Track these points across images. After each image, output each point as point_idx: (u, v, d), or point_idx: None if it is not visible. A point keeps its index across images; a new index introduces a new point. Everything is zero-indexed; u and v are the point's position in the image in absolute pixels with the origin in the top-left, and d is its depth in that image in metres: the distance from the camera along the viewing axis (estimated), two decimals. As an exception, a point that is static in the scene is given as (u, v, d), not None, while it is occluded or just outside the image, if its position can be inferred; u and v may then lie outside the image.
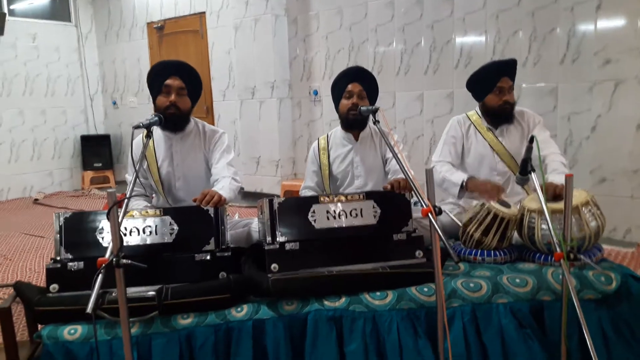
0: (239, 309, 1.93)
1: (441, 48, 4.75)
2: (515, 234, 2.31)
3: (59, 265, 1.96)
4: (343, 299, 1.95)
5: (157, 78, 2.48)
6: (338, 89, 2.70)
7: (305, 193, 2.84)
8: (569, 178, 1.79)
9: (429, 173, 1.83)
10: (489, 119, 2.75)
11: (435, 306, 1.86)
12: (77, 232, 2.04)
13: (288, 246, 2.00)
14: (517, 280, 2.01)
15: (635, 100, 3.84)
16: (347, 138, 2.77)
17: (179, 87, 2.45)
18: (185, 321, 1.89)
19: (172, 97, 2.44)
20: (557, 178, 2.29)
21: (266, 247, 1.98)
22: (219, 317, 1.90)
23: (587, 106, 4.07)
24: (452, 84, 4.73)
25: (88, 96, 7.69)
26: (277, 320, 1.91)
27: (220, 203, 2.12)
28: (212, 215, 2.10)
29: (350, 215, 2.09)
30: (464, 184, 2.62)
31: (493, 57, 4.45)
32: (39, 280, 3.60)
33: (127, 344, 1.63)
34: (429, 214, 1.69)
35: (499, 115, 2.70)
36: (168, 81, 2.45)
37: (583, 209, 2.10)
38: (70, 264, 1.95)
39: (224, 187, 2.34)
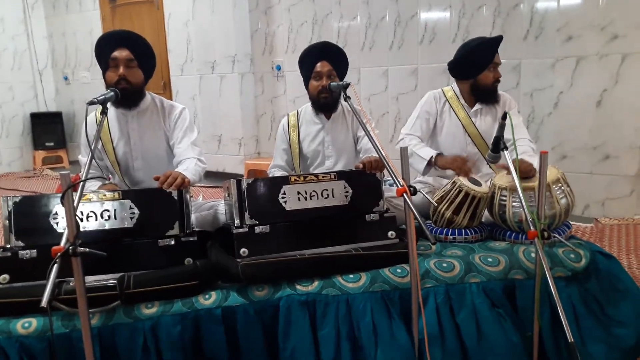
0: (206, 296, 1.84)
1: (406, 23, 4.69)
2: (486, 212, 2.30)
3: (9, 254, 1.81)
4: (316, 283, 1.89)
5: (103, 51, 2.32)
6: (306, 68, 2.60)
7: (274, 173, 2.75)
8: (543, 155, 1.77)
9: (404, 152, 1.78)
10: (476, 97, 2.69)
11: (409, 287, 1.83)
12: (28, 217, 1.89)
13: (258, 229, 1.91)
14: (490, 260, 2.00)
15: (596, 77, 3.90)
16: (318, 116, 2.68)
17: (127, 58, 2.29)
18: (150, 310, 1.79)
19: (121, 70, 2.27)
20: (524, 159, 2.27)
21: (234, 231, 1.90)
22: (185, 305, 1.81)
23: (550, 82, 4.11)
24: (417, 59, 4.69)
25: (37, 71, 7.28)
26: (247, 306, 1.83)
27: (183, 185, 2.01)
28: (176, 197, 1.99)
29: (322, 195, 2.02)
30: (433, 159, 2.59)
31: (457, 32, 4.42)
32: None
33: (87, 337, 1.52)
34: (404, 194, 1.65)
35: (491, 91, 2.66)
36: (115, 53, 2.28)
37: (554, 186, 2.10)
38: (21, 252, 1.81)
39: (188, 168, 2.23)
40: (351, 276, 1.92)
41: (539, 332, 1.88)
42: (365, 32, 4.93)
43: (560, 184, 2.13)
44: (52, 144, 7.25)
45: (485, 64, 2.60)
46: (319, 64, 2.52)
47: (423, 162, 2.60)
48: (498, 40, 2.61)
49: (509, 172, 1.98)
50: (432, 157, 2.59)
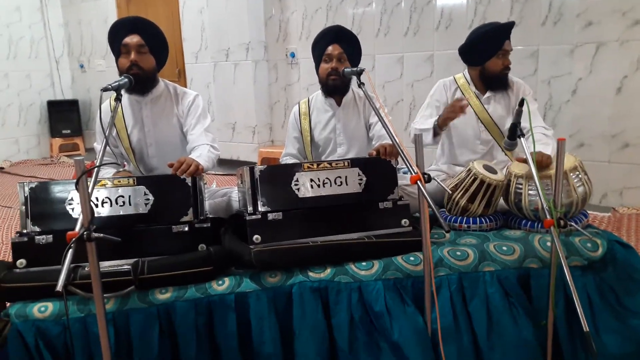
0: (220, 282, 1.85)
1: (422, 9, 4.63)
2: (501, 201, 2.27)
3: (25, 239, 1.83)
4: (328, 270, 1.89)
5: (115, 38, 2.32)
6: (318, 51, 2.57)
7: (286, 161, 2.74)
8: (561, 142, 1.74)
9: (418, 139, 1.76)
10: (485, 84, 2.65)
11: (422, 275, 1.82)
12: (44, 203, 1.90)
13: (270, 216, 1.91)
14: (504, 248, 1.98)
15: (616, 64, 3.82)
16: (329, 103, 2.65)
17: (137, 44, 2.29)
18: (164, 296, 1.80)
19: (132, 56, 2.27)
20: (538, 148, 2.23)
21: (247, 218, 1.90)
22: (199, 291, 1.82)
23: (568, 69, 4.03)
24: (433, 46, 4.63)
25: (53, 59, 7.34)
26: (260, 293, 1.84)
27: (197, 172, 2.01)
28: (190, 184, 1.99)
29: (335, 183, 2.01)
30: (435, 125, 2.53)
31: (474, 18, 4.36)
32: (7, 253, 3.46)
33: (101, 321, 1.55)
34: (418, 182, 1.63)
35: (500, 79, 2.61)
36: (126, 39, 2.29)
37: (571, 174, 2.06)
38: (38, 237, 1.83)
39: (201, 154, 2.23)
40: (364, 264, 1.91)
41: (554, 322, 1.86)
42: (381, 19, 4.88)
43: (577, 172, 2.10)
44: (68, 131, 7.32)
45: (494, 51, 2.54)
46: (330, 47, 2.49)
47: (429, 132, 2.54)
48: (508, 26, 2.55)
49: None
50: (435, 122, 2.54)
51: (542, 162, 2.11)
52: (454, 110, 2.38)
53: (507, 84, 2.63)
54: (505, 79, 2.61)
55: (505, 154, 2.66)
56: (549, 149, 2.27)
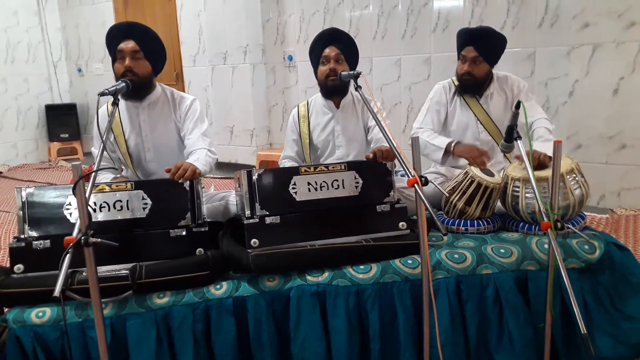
0: (218, 287, 1.85)
1: (419, 11, 4.64)
2: (498, 203, 2.28)
3: (23, 244, 1.83)
4: (326, 274, 1.88)
5: (111, 44, 2.33)
6: (315, 55, 2.58)
7: (284, 163, 2.74)
8: (557, 144, 1.75)
9: (415, 142, 1.76)
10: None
11: (420, 278, 1.82)
12: (42, 207, 1.90)
13: (268, 220, 1.91)
14: (502, 251, 1.98)
15: (613, 65, 3.83)
16: (328, 106, 2.66)
17: (132, 50, 2.28)
18: (162, 300, 1.80)
19: (127, 61, 2.27)
20: (541, 146, 2.25)
21: (245, 222, 1.89)
22: (197, 296, 1.82)
23: (565, 71, 4.04)
24: (430, 48, 4.64)
25: (51, 63, 7.34)
26: (258, 297, 1.83)
27: (195, 177, 2.01)
28: (188, 188, 1.99)
29: (332, 186, 2.01)
30: (451, 147, 2.57)
31: (471, 20, 4.37)
32: (5, 258, 3.46)
33: (99, 326, 1.54)
34: (415, 185, 1.63)
35: (460, 84, 2.66)
36: (121, 45, 2.29)
37: (568, 176, 2.07)
38: (35, 242, 1.82)
39: (198, 159, 2.23)
40: (361, 267, 1.91)
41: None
42: (378, 21, 4.89)
43: (574, 175, 2.10)
44: (66, 135, 7.32)
45: (458, 54, 2.61)
46: (327, 49, 2.50)
47: (440, 151, 2.58)
48: (469, 31, 2.59)
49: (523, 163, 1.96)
50: (449, 143, 2.57)
51: (539, 161, 2.13)
52: (475, 159, 2.44)
53: (468, 90, 2.65)
54: (464, 84, 2.64)
55: (504, 155, 2.67)
56: (550, 146, 2.28)
